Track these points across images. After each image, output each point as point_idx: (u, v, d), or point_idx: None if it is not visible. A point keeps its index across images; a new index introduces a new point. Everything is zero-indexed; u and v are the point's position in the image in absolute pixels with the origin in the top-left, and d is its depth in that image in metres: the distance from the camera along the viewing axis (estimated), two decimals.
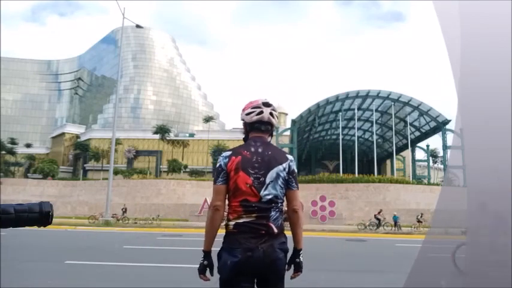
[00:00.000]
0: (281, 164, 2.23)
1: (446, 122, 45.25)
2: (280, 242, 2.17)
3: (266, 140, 2.31)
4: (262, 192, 2.15)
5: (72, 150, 75.76)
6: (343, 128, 51.28)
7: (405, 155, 56.50)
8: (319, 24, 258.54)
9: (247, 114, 2.31)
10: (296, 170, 2.30)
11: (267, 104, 2.30)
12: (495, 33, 2.05)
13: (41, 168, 58.18)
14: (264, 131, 2.31)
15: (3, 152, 65.52)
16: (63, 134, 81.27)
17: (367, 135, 57.01)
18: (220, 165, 2.22)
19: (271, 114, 2.29)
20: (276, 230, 2.15)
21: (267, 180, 2.17)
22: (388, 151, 56.70)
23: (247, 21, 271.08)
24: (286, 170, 2.23)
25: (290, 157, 2.30)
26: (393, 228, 24.72)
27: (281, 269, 2.16)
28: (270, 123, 2.31)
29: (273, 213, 2.16)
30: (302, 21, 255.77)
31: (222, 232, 2.21)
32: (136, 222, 25.74)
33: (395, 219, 25.55)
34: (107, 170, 33.74)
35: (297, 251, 2.26)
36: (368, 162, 48.94)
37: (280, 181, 2.20)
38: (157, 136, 67.99)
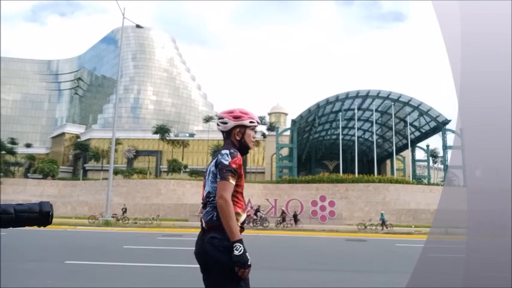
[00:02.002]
0: (214, 160, 2.39)
1: (446, 122, 45.28)
2: (210, 237, 2.26)
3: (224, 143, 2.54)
4: (203, 191, 2.44)
5: (72, 150, 75.75)
6: (343, 128, 51.30)
7: (405, 155, 56.52)
8: (319, 24, 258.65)
9: None
10: (225, 162, 2.26)
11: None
12: (495, 33, 2.05)
13: (41, 168, 58.18)
14: (224, 138, 2.55)
15: (3, 152, 65.51)
16: (63, 134, 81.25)
17: (367, 135, 57.02)
18: None
19: (217, 124, 2.57)
20: (204, 225, 2.33)
21: (206, 179, 2.43)
22: (388, 151, 56.73)
23: (247, 21, 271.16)
24: (214, 164, 2.36)
25: (224, 151, 2.34)
26: (381, 227, 24.56)
27: (211, 263, 2.22)
28: (221, 131, 2.55)
29: (207, 208, 2.35)
30: (302, 21, 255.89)
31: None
32: (136, 222, 25.75)
33: (383, 218, 25.48)
34: (107, 170, 33.77)
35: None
36: (368, 162, 49.05)
37: (211, 177, 2.36)
38: (157, 136, 68.00)
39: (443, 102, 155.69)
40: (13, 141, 70.26)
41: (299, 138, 51.01)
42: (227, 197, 2.18)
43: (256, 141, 73.86)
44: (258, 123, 2.54)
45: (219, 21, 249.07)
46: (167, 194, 40.64)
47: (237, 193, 2.31)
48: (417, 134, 51.84)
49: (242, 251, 2.11)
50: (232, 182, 2.24)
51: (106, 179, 39.59)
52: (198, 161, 73.29)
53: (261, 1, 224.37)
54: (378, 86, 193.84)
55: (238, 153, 2.34)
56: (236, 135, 2.47)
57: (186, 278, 6.50)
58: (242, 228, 2.34)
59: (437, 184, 45.13)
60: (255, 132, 2.60)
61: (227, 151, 2.32)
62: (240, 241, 2.15)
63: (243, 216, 2.33)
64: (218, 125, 2.52)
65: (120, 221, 26.27)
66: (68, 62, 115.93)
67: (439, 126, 46.36)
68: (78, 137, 79.65)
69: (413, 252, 10.61)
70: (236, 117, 2.47)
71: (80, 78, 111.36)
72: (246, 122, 2.47)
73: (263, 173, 66.51)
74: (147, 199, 39.79)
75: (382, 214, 25.92)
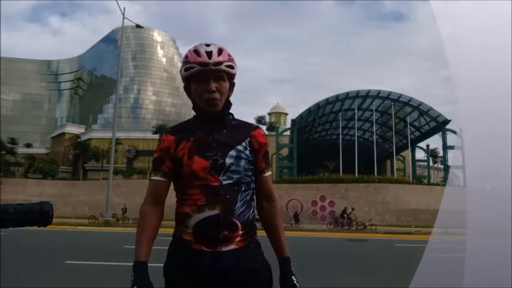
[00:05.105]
0: None
1: (446, 122, 45.22)
2: None
3: None
4: None
5: (72, 150, 75.75)
6: (343, 128, 51.27)
7: (405, 155, 56.49)
8: (319, 23, 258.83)
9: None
10: None
11: None
12: (495, 33, 2.05)
13: (41, 168, 58.18)
14: None
15: (3, 152, 65.47)
16: (63, 134, 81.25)
17: (367, 135, 57.00)
18: None
19: None
20: None
21: None
22: (388, 151, 56.70)
23: (247, 20, 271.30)
24: None
25: None
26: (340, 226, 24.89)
27: None
28: None
29: None
30: (302, 20, 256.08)
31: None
32: (136, 222, 25.73)
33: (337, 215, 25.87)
34: (107, 170, 33.76)
35: None
36: (368, 162, 48.97)
37: None
38: (157, 136, 67.99)
39: (443, 102, 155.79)
40: (13, 141, 70.22)
41: (299, 138, 50.99)
42: (143, 203, 1.61)
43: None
44: (202, 64, 1.49)
45: (219, 21, 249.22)
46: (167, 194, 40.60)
47: (183, 187, 1.55)
48: (417, 134, 51.81)
49: (131, 282, 1.41)
50: (155, 177, 1.57)
51: (106, 179, 39.57)
52: None
53: (261, 1, 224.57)
54: (378, 86, 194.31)
55: (166, 133, 1.59)
56: (188, 95, 1.62)
57: None
58: (201, 235, 1.48)
59: (437, 184, 45.11)
60: (210, 79, 1.51)
61: None
62: (134, 267, 1.45)
63: (196, 217, 1.49)
64: None
65: (120, 221, 26.25)
66: (68, 62, 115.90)
67: (439, 126, 46.33)
68: (78, 137, 79.63)
69: (413, 252, 10.60)
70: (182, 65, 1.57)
71: (80, 78, 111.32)
72: (182, 72, 1.56)
73: None
74: None
75: (335, 212, 26.35)
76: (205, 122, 1.57)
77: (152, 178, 1.58)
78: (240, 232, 1.50)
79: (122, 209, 29.42)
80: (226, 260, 1.47)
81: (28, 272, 6.88)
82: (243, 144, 1.58)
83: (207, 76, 1.51)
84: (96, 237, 15.50)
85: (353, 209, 25.80)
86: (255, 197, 1.62)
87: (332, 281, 6.56)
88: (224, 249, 1.47)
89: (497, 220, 2.06)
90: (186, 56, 1.54)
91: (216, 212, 1.47)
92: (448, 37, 2.21)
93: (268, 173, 1.67)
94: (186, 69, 1.53)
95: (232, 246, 1.48)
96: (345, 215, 25.54)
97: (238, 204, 1.51)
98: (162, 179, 1.57)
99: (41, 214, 1.27)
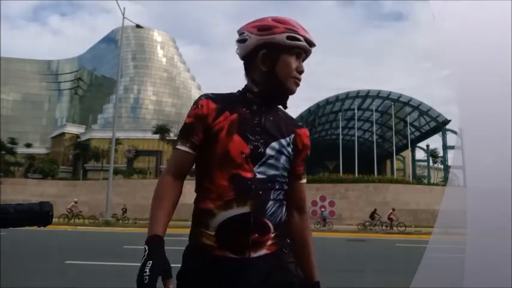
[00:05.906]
0: None
1: (446, 122, 45.25)
2: None
3: None
4: None
5: (72, 150, 75.79)
6: (343, 128, 51.32)
7: (405, 155, 56.53)
8: (319, 23, 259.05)
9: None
10: None
11: None
12: (495, 33, 2.05)
13: (41, 168, 58.18)
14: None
15: (3, 152, 65.47)
16: (63, 134, 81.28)
17: (367, 135, 57.03)
18: None
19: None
20: None
21: None
22: (388, 151, 56.73)
23: (247, 20, 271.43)
24: None
25: None
26: (322, 225, 24.85)
27: None
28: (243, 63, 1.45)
29: None
30: (302, 20, 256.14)
31: None
32: (136, 222, 25.73)
33: (323, 214, 25.76)
34: (107, 170, 33.77)
35: None
36: (368, 162, 49.02)
37: None
38: (157, 136, 67.99)
39: (443, 102, 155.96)
40: (13, 141, 70.23)
41: None
42: (163, 173, 1.38)
43: None
44: (308, 42, 1.32)
45: (219, 21, 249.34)
46: None
47: (208, 171, 1.32)
48: (417, 134, 51.84)
49: (144, 258, 1.21)
50: (182, 147, 1.32)
51: (106, 179, 39.59)
52: None
53: (261, 1, 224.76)
54: (378, 86, 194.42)
55: (206, 98, 1.32)
56: (261, 64, 1.32)
57: None
58: (226, 239, 1.22)
59: (437, 184, 45.12)
60: (301, 58, 1.34)
61: None
62: (149, 241, 1.26)
63: (221, 216, 1.24)
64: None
65: (120, 221, 26.27)
66: (68, 62, 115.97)
67: (439, 126, 46.37)
68: (78, 137, 79.66)
69: (413, 252, 10.60)
70: (263, 29, 1.31)
71: (80, 78, 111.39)
72: (281, 38, 1.29)
73: None
74: (147, 199, 39.52)
75: (323, 212, 26.36)
76: (257, 99, 1.34)
77: (178, 147, 1.31)
78: (272, 235, 1.26)
79: (122, 209, 29.43)
80: (256, 268, 1.21)
81: (28, 272, 6.88)
82: (287, 139, 1.35)
83: (302, 55, 1.34)
84: (96, 237, 15.50)
85: (393, 210, 25.00)
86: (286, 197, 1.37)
87: (332, 281, 6.56)
88: (254, 255, 1.22)
89: (497, 220, 2.05)
90: (285, 22, 1.30)
91: (245, 209, 1.21)
92: (448, 37, 2.21)
93: (305, 180, 1.45)
94: (291, 38, 1.28)
95: (263, 252, 1.24)
96: (375, 215, 24.76)
97: (271, 202, 1.26)
98: (190, 150, 1.31)
99: (41, 214, 1.27)
